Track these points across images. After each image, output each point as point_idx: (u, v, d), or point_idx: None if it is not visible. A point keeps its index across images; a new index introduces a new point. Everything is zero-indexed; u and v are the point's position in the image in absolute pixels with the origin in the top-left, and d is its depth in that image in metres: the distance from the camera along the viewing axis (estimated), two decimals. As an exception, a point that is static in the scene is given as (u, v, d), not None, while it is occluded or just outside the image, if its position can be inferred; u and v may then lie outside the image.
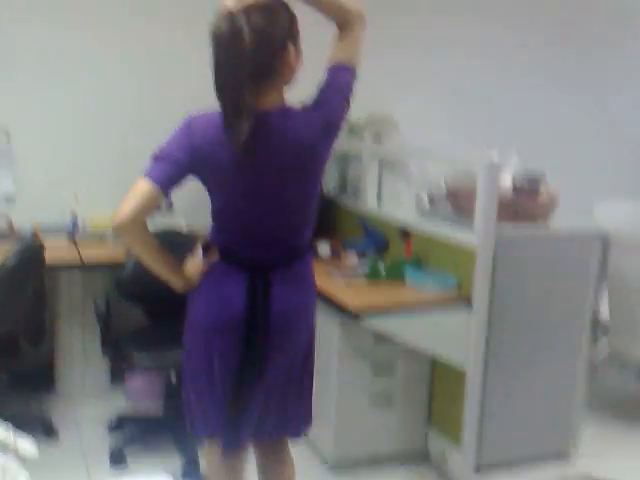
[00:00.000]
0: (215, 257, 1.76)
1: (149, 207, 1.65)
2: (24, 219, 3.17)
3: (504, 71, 4.06)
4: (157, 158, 1.67)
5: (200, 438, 1.97)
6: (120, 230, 1.64)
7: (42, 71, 3.27)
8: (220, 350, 1.74)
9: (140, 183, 1.64)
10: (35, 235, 3.06)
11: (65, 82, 3.31)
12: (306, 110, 1.70)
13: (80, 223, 3.23)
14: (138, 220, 1.64)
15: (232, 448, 1.82)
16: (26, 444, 1.52)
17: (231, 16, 1.58)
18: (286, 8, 1.67)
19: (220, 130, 1.62)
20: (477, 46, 3.98)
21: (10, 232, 3.11)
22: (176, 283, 1.80)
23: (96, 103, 3.35)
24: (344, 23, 1.72)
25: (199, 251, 1.80)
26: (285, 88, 1.71)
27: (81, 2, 3.27)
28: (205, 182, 1.72)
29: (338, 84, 1.71)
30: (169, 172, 1.65)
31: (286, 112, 1.68)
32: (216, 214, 1.77)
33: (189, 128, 1.68)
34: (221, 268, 1.76)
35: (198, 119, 1.69)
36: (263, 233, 1.74)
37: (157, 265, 1.76)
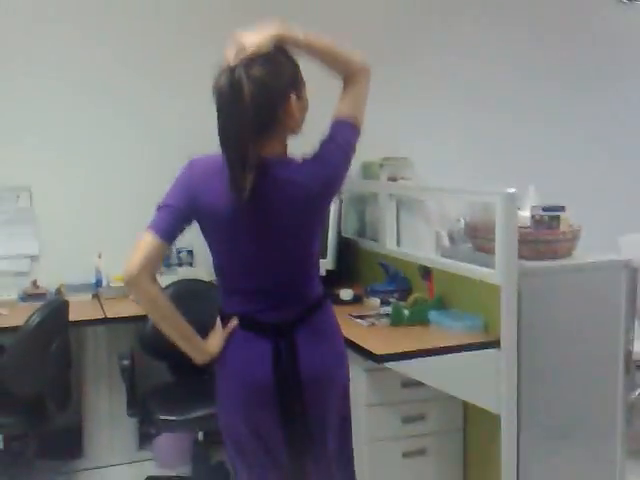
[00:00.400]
0: (233, 324, 1.72)
1: (155, 258, 1.64)
2: (49, 278, 3.25)
3: (517, 110, 4.06)
4: (159, 208, 1.68)
5: None
6: (130, 284, 1.63)
7: (61, 131, 3.34)
8: (259, 425, 1.69)
9: (144, 235, 1.64)
10: (59, 292, 3.10)
11: (86, 143, 3.38)
12: (307, 163, 1.68)
13: (104, 280, 3.26)
14: (147, 272, 1.62)
15: None
16: None
17: (231, 70, 1.59)
18: (289, 58, 1.67)
19: (221, 177, 1.61)
20: (489, 88, 4.01)
21: (35, 292, 3.16)
22: (194, 354, 1.75)
23: (115, 162, 3.41)
24: (349, 76, 1.72)
25: (217, 322, 1.77)
26: (289, 137, 1.70)
27: (94, 62, 3.35)
28: (204, 231, 1.71)
29: (340, 140, 1.69)
30: (170, 222, 1.65)
31: (287, 163, 1.67)
32: (218, 271, 1.74)
33: (189, 174, 1.68)
34: (241, 336, 1.72)
35: (198, 164, 1.69)
36: (273, 288, 1.70)
37: (171, 329, 1.71)
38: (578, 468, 2.59)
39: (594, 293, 2.58)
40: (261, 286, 1.70)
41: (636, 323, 2.78)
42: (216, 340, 1.75)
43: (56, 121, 3.33)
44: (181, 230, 1.68)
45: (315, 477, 1.73)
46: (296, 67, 1.69)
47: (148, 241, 1.63)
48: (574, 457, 2.59)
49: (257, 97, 1.57)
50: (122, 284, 3.13)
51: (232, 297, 1.74)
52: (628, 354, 2.64)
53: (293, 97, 1.65)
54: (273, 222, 1.65)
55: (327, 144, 1.70)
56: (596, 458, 2.38)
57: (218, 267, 1.74)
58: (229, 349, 1.73)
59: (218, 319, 1.77)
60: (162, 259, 1.71)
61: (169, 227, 1.65)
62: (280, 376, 1.67)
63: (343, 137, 1.70)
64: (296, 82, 1.68)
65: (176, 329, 1.71)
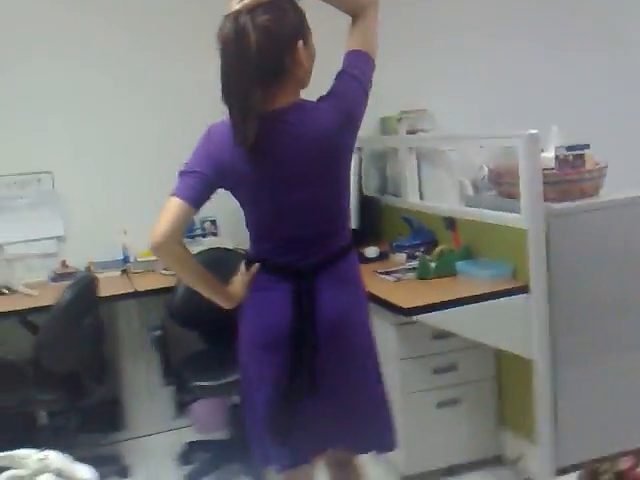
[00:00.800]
0: (256, 269, 1.73)
1: (182, 223, 1.64)
2: (77, 258, 3.28)
3: (532, 45, 3.93)
4: (182, 174, 1.67)
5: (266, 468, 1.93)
6: (158, 250, 1.63)
7: (78, 112, 3.34)
8: (270, 366, 1.69)
9: (170, 202, 1.63)
10: (88, 270, 3.14)
11: (105, 121, 3.37)
12: (323, 102, 1.65)
13: (131, 255, 3.29)
14: (174, 238, 1.62)
15: (288, 467, 1.76)
16: (84, 471, 1.51)
17: (235, 17, 1.55)
18: (293, 5, 1.63)
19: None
20: (507, 28, 3.88)
21: (65, 271, 3.21)
22: (222, 301, 1.78)
23: (135, 139, 3.40)
24: (357, 11, 1.67)
25: (242, 267, 1.78)
26: (299, 89, 1.66)
27: (112, 46, 3.33)
28: (232, 192, 1.70)
29: (355, 72, 1.66)
30: (194, 187, 1.63)
31: (302, 106, 1.63)
32: (250, 224, 1.74)
33: (208, 139, 1.67)
34: (264, 280, 1.72)
35: (216, 128, 1.68)
36: (299, 236, 1.69)
37: (199, 284, 1.75)
38: (616, 407, 2.56)
39: (623, 230, 2.51)
40: (288, 233, 1.69)
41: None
42: (240, 285, 1.77)
43: (73, 102, 3.31)
44: (207, 197, 1.67)
45: (323, 411, 1.71)
46: (302, 14, 1.65)
47: (175, 205, 1.62)
48: (612, 397, 2.55)
49: (263, 45, 1.54)
50: (149, 259, 3.18)
51: (258, 244, 1.75)
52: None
53: (300, 44, 1.61)
54: (296, 171, 1.63)
55: (341, 77, 1.66)
56: (636, 395, 2.35)
57: (247, 218, 1.74)
58: (252, 292, 1.74)
59: (242, 264, 1.78)
60: (188, 224, 1.71)
61: (195, 193, 1.64)
62: (298, 319, 1.66)
63: (358, 68, 1.66)
64: (302, 29, 1.64)
65: (203, 282, 1.75)
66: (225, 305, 1.78)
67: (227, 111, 1.60)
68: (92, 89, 3.34)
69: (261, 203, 1.68)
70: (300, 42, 1.62)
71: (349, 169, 1.74)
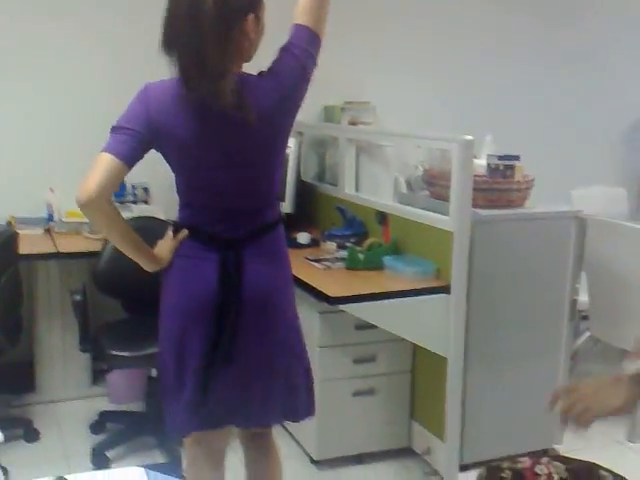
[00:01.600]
0: (184, 235, 1.73)
1: (113, 181, 1.61)
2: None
3: (481, 54, 4.01)
4: (114, 129, 1.63)
5: (177, 437, 1.94)
6: (85, 206, 1.60)
7: (11, 66, 3.20)
8: (191, 333, 1.70)
9: (101, 157, 1.60)
10: (9, 224, 3.03)
11: (35, 76, 3.25)
12: (264, 79, 1.65)
13: (56, 215, 3.20)
14: (103, 194, 1.59)
15: (202, 429, 1.77)
16: None
17: None
18: None
19: (177, 98, 1.58)
20: (455, 27, 3.94)
21: (-16, 225, 3.08)
22: (146, 264, 1.76)
23: (68, 96, 3.30)
24: None
25: (169, 232, 1.78)
26: (242, 62, 1.65)
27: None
28: (165, 154, 1.69)
29: (297, 50, 1.66)
30: (127, 143, 1.61)
31: (244, 80, 1.63)
32: (180, 188, 1.73)
33: (145, 97, 1.64)
34: (190, 247, 1.72)
35: (154, 86, 1.66)
36: (229, 207, 1.70)
37: (124, 243, 1.72)
38: (520, 410, 2.71)
39: (544, 243, 2.64)
40: (217, 202, 1.70)
41: (582, 273, 2.87)
42: (165, 249, 1.76)
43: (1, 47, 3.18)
44: (140, 156, 1.64)
45: (240, 381, 1.73)
46: None
47: (106, 161, 1.59)
48: (517, 400, 2.69)
49: (217, 8, 1.53)
50: (75, 220, 3.10)
51: (187, 210, 1.74)
52: (573, 302, 2.73)
53: (251, 17, 1.61)
54: (232, 143, 1.63)
55: (284, 55, 1.67)
56: (538, 399, 2.47)
57: (178, 184, 1.73)
58: (177, 259, 1.74)
59: (170, 230, 1.78)
60: (120, 182, 1.68)
61: (128, 149, 1.60)
62: (224, 289, 1.67)
63: (302, 48, 1.66)
64: (257, 3, 1.64)
65: (129, 242, 1.72)
66: (148, 267, 1.77)
67: (171, 67, 1.58)
68: (19, 40, 3.20)
69: (193, 170, 1.68)
70: (251, 15, 1.61)
71: (284, 149, 1.76)
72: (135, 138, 1.61)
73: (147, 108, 1.63)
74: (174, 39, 1.57)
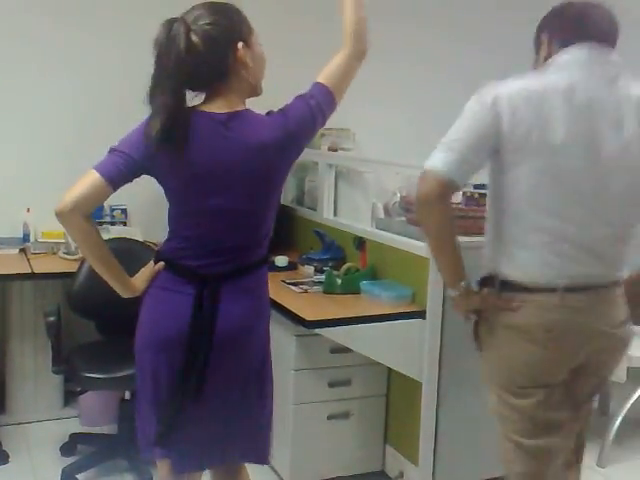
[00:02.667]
0: (160, 267, 1.73)
1: (94, 198, 1.62)
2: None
3: (462, 83, 4.06)
4: (112, 151, 1.65)
5: (150, 459, 1.93)
6: (59, 216, 1.61)
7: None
8: (162, 366, 1.70)
9: (88, 173, 1.62)
10: (-18, 244, 3.01)
11: (10, 96, 3.25)
12: (270, 116, 1.68)
13: (32, 235, 3.18)
14: (81, 209, 1.60)
15: (181, 471, 1.77)
16: None
17: (170, 22, 1.60)
18: (233, 9, 1.67)
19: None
20: (435, 55, 4.01)
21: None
22: (120, 289, 1.75)
23: (44, 116, 3.29)
24: (353, 50, 1.74)
25: (151, 262, 1.77)
26: (246, 96, 1.68)
27: (33, 21, 3.21)
28: (160, 182, 1.70)
29: (312, 102, 1.69)
30: (120, 167, 1.62)
31: (245, 115, 1.65)
32: (171, 216, 1.74)
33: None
34: (168, 279, 1.72)
35: None
36: (217, 242, 1.70)
37: (100, 265, 1.71)
38: (493, 435, 2.72)
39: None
40: (205, 236, 1.70)
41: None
42: (143, 278, 1.75)
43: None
44: (128, 180, 1.65)
45: (208, 419, 1.73)
46: (240, 15, 1.68)
47: (92, 179, 1.60)
48: (490, 425, 2.71)
49: (201, 47, 1.58)
50: (51, 240, 3.09)
51: (173, 241, 1.74)
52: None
53: (240, 45, 1.64)
54: (226, 177, 1.64)
55: (298, 102, 1.69)
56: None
57: (171, 212, 1.73)
58: (154, 288, 1.73)
59: (152, 260, 1.77)
60: (101, 202, 1.69)
61: (117, 172, 1.62)
62: (196, 326, 1.67)
63: (318, 101, 1.69)
64: (240, 31, 1.66)
65: (105, 264, 1.71)
66: (122, 293, 1.76)
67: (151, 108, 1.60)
68: (3, 59, 3.21)
69: (185, 201, 1.68)
70: (240, 43, 1.64)
71: (279, 190, 1.76)
72: (128, 163, 1.62)
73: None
74: (151, 88, 1.60)
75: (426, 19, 3.95)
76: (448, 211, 1.71)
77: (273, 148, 1.64)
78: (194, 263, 1.70)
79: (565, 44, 1.70)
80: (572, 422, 1.87)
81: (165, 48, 1.58)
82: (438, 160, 1.66)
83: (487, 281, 1.80)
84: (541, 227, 1.67)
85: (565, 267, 1.68)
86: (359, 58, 1.77)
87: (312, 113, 1.68)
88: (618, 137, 1.65)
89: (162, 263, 1.73)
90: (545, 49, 1.77)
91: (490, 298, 1.77)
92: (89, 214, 1.63)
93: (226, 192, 1.66)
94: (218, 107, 1.64)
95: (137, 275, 1.78)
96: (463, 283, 1.77)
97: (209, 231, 1.70)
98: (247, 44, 1.66)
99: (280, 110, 1.69)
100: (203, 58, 1.59)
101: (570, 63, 1.68)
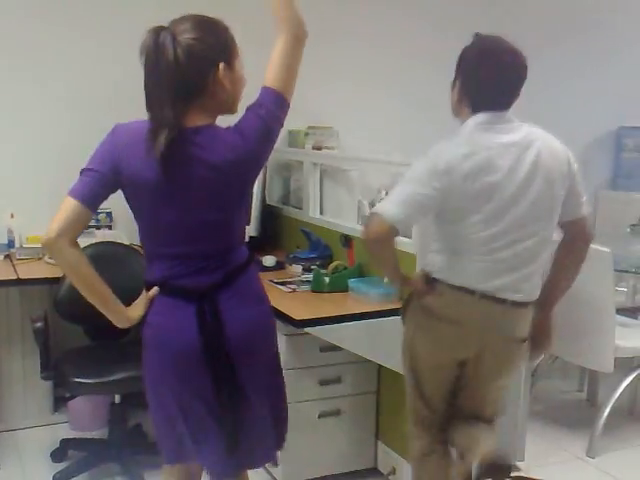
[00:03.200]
0: (154, 292, 1.72)
1: (75, 224, 1.61)
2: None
3: (447, 79, 4.09)
4: (83, 172, 1.64)
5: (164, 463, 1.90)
6: (47, 247, 1.62)
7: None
8: (182, 387, 1.70)
9: (65, 201, 1.62)
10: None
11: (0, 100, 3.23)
12: (229, 134, 1.65)
13: (17, 241, 3.16)
14: (64, 237, 1.59)
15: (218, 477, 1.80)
16: None
17: (157, 31, 1.58)
18: (220, 27, 1.66)
19: (144, 144, 1.59)
20: (419, 51, 4.01)
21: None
22: (115, 319, 1.73)
23: (29, 123, 3.27)
24: (291, 37, 1.68)
25: (143, 292, 1.76)
26: (222, 112, 1.68)
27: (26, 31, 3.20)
28: (127, 198, 1.68)
29: (265, 114, 1.65)
30: (92, 187, 1.62)
31: (212, 131, 1.64)
32: (143, 240, 1.72)
33: (112, 138, 1.65)
34: (164, 302, 1.71)
35: (123, 128, 1.66)
36: (193, 255, 1.69)
37: (91, 294, 1.68)
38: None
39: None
40: (183, 252, 1.69)
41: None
42: (138, 307, 1.74)
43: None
44: (104, 196, 1.65)
45: (244, 436, 1.75)
46: (228, 37, 1.66)
47: (69, 206, 1.60)
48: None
49: (181, 62, 1.57)
50: (36, 245, 3.06)
51: (155, 263, 1.72)
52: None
53: (222, 66, 1.63)
54: (193, 191, 1.63)
55: (252, 116, 1.66)
56: (501, 418, 2.53)
57: (142, 233, 1.72)
58: (152, 315, 1.72)
59: (144, 290, 1.76)
60: (84, 225, 1.67)
61: (90, 192, 1.61)
62: (206, 340, 1.67)
63: (268, 109, 1.66)
64: (226, 52, 1.64)
65: (97, 294, 1.69)
66: (118, 324, 1.75)
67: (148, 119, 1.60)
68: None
69: (155, 216, 1.66)
70: (222, 64, 1.63)
71: (248, 196, 1.76)
72: (99, 181, 1.62)
73: (113, 150, 1.63)
74: (146, 97, 1.60)
75: (412, 14, 3.96)
76: (391, 246, 2.00)
77: (236, 167, 1.63)
78: (184, 281, 1.69)
79: (472, 101, 2.03)
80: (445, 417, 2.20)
81: (153, 57, 1.56)
82: (390, 213, 1.92)
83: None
84: (475, 252, 1.98)
85: (487, 277, 1.99)
86: (299, 43, 1.70)
87: (266, 124, 1.66)
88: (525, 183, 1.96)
89: (156, 288, 1.71)
90: (457, 93, 2.09)
91: (418, 283, 2.10)
92: (75, 240, 1.63)
93: (196, 205, 1.64)
94: (191, 122, 1.62)
95: (132, 306, 1.75)
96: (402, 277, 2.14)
97: (183, 245, 1.68)
98: (229, 66, 1.65)
99: (236, 128, 1.66)
100: (182, 71, 1.57)
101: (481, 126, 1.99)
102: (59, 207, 1.62)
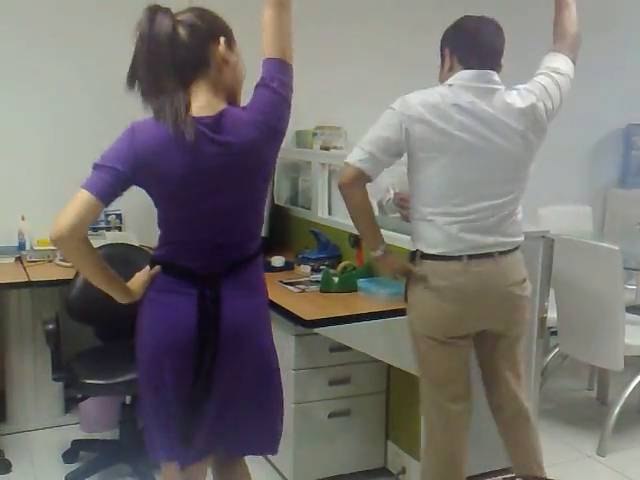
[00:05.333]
0: (157, 270, 1.73)
1: (88, 218, 1.61)
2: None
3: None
4: (97, 167, 1.63)
5: (157, 461, 1.93)
6: (58, 242, 1.60)
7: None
8: (172, 368, 1.70)
9: (79, 194, 1.60)
10: (-21, 254, 3.01)
11: (10, 102, 3.25)
12: (246, 113, 1.67)
13: (28, 243, 3.18)
14: (77, 231, 1.59)
15: (187, 464, 1.77)
16: None
17: (153, 10, 1.60)
18: (216, 14, 1.69)
19: (165, 136, 1.59)
20: (424, 53, 3.95)
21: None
22: (118, 296, 1.75)
23: (39, 125, 3.30)
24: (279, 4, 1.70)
25: (146, 267, 1.77)
26: (225, 95, 1.68)
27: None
28: (149, 191, 1.69)
29: (274, 84, 1.68)
30: (108, 182, 1.60)
31: (228, 114, 1.65)
32: (162, 223, 1.73)
33: (132, 137, 1.63)
34: (166, 281, 1.72)
35: (141, 127, 1.65)
36: (212, 242, 1.70)
37: (98, 278, 1.70)
38: (493, 428, 2.73)
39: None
40: (200, 237, 1.70)
41: (551, 291, 2.93)
42: (139, 282, 1.75)
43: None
44: (119, 194, 1.64)
45: (217, 412, 1.74)
46: (224, 23, 1.70)
47: (83, 200, 1.58)
48: (489, 418, 2.72)
49: (182, 34, 1.59)
50: (46, 248, 3.09)
51: (167, 247, 1.73)
52: (542, 320, 2.79)
53: (222, 40, 1.66)
54: (217, 177, 1.64)
55: (262, 90, 1.68)
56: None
57: (162, 219, 1.72)
58: (153, 292, 1.73)
59: (147, 266, 1.77)
60: (95, 221, 1.69)
61: (107, 188, 1.60)
62: (203, 324, 1.68)
63: (277, 79, 1.68)
64: (224, 30, 1.68)
65: (101, 276, 1.70)
66: (121, 300, 1.76)
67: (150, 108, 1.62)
68: (5, 69, 3.21)
69: (177, 205, 1.68)
70: (222, 38, 1.66)
71: (269, 181, 1.78)
72: (117, 178, 1.61)
73: (134, 148, 1.62)
74: (136, 69, 1.61)
75: (424, 15, 3.94)
76: (361, 192, 2.12)
77: (258, 146, 1.65)
78: (192, 264, 1.70)
79: (462, 59, 2.08)
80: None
81: (150, 31, 1.57)
82: (354, 157, 2.09)
83: (413, 255, 2.18)
84: (443, 211, 2.07)
85: (465, 240, 2.06)
86: (285, 8, 1.72)
87: (281, 95, 1.68)
88: (499, 137, 2.04)
89: (158, 267, 1.73)
90: (448, 62, 2.13)
91: (408, 265, 2.17)
92: (86, 234, 1.63)
93: (217, 194, 1.66)
94: (202, 108, 1.63)
95: (132, 280, 1.77)
96: (382, 246, 2.18)
97: (204, 233, 1.70)
98: (229, 45, 1.68)
99: (252, 106, 1.68)
100: (186, 47, 1.60)
101: (461, 83, 2.05)
102: (71, 200, 1.59)
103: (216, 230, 1.70)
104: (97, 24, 3.31)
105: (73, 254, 1.66)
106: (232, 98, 1.71)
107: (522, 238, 2.18)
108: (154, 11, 1.60)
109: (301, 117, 3.61)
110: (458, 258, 2.06)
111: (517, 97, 2.08)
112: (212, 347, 1.69)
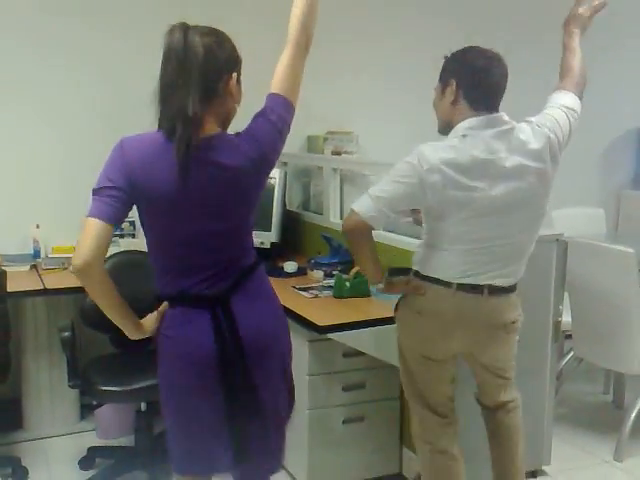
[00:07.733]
0: (164, 307, 1.75)
1: (103, 244, 1.61)
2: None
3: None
4: (97, 192, 1.63)
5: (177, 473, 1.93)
6: (83, 272, 1.60)
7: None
8: (198, 393, 1.72)
9: (88, 223, 1.61)
10: (-4, 263, 3.04)
11: (20, 112, 3.29)
12: (241, 141, 1.67)
13: (42, 251, 3.21)
14: (96, 260, 1.60)
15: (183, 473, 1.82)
16: None
17: (184, 28, 1.61)
18: (230, 41, 1.70)
19: (156, 151, 1.61)
20: (437, 58, 4.00)
21: (-29, 264, 3.08)
22: (130, 331, 1.76)
23: (54, 133, 3.33)
24: (300, 43, 1.74)
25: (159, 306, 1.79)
26: (221, 122, 1.69)
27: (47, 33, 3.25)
28: (141, 212, 1.69)
29: (274, 118, 1.70)
30: (110, 203, 1.61)
31: (222, 138, 1.67)
32: (154, 254, 1.73)
33: (121, 153, 1.64)
34: (178, 312, 1.73)
35: (130, 142, 1.66)
36: (205, 264, 1.70)
37: (113, 309, 1.71)
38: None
39: (527, 267, 2.67)
40: (196, 261, 1.70)
41: (565, 294, 2.92)
42: (152, 319, 1.78)
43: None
44: (125, 213, 1.65)
45: (253, 437, 1.76)
46: (237, 52, 1.71)
47: (92, 227, 1.59)
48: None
49: (206, 62, 1.60)
50: (61, 255, 3.11)
51: (167, 276, 1.73)
52: (557, 323, 2.77)
53: (234, 76, 1.68)
54: (210, 199, 1.65)
55: (260, 120, 1.70)
56: (525, 421, 2.51)
57: (153, 247, 1.72)
58: (167, 329, 1.74)
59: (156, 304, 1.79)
60: (110, 243, 1.66)
61: (113, 210, 1.61)
62: (222, 343, 1.69)
63: (276, 113, 1.71)
64: (237, 63, 1.71)
65: (116, 307, 1.71)
66: (132, 335, 1.78)
67: (158, 121, 1.62)
68: (13, 78, 3.25)
69: (166, 228, 1.67)
70: (234, 74, 1.69)
71: (257, 203, 1.77)
72: (118, 198, 1.61)
73: (125, 162, 1.62)
74: (166, 93, 1.61)
75: (440, 20, 3.96)
76: (366, 239, 2.10)
77: (248, 172, 1.66)
78: (197, 289, 1.70)
79: (468, 96, 2.06)
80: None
81: (183, 54, 1.58)
82: (364, 208, 2.05)
83: (396, 271, 2.25)
84: (456, 248, 2.07)
85: (462, 269, 2.06)
86: (304, 52, 1.77)
87: (277, 129, 1.70)
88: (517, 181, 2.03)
89: (166, 303, 1.75)
90: (452, 94, 2.09)
91: (408, 285, 2.18)
92: (103, 262, 1.64)
93: (208, 215, 1.66)
94: (203, 130, 1.63)
95: (146, 317, 1.79)
96: (384, 276, 2.21)
97: (196, 254, 1.69)
98: (238, 80, 1.71)
99: (248, 134, 1.69)
100: (205, 73, 1.61)
101: (474, 133, 2.02)
102: (84, 231, 1.60)
103: (207, 251, 1.69)
104: (111, 38, 3.35)
105: (95, 286, 1.66)
106: (224, 124, 1.72)
107: (517, 279, 2.18)
108: (182, 29, 1.61)
109: (312, 122, 3.66)
110: (448, 284, 2.07)
111: (531, 134, 2.06)
112: (240, 363, 1.70)
